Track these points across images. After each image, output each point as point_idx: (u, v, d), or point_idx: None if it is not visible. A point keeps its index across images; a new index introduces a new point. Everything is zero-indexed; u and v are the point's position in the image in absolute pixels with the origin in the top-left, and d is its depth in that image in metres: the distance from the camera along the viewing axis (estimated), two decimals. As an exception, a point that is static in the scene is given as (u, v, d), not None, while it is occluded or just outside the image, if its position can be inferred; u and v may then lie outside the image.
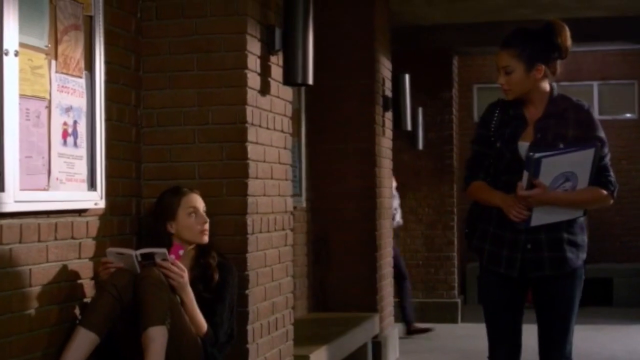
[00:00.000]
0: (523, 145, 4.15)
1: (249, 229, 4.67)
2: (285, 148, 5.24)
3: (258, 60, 4.81)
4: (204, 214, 4.39)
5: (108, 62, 4.37)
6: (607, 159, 4.18)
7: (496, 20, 10.38)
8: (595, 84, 13.28)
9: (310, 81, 5.05)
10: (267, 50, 4.94)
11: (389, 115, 8.20)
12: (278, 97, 5.11)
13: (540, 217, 4.06)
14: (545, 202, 4.04)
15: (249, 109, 4.67)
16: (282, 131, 5.18)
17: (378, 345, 7.72)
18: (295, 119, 7.24)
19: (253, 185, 4.72)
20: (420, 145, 10.61)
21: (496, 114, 4.31)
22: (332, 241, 7.77)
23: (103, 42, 4.31)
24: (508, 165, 4.15)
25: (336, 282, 7.80)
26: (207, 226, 4.38)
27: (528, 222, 4.06)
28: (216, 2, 4.69)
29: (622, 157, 12.82)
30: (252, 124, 4.71)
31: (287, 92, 5.28)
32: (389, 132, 8.24)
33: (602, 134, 4.19)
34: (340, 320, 7.28)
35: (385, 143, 8.12)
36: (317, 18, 7.20)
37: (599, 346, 8.99)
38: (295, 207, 7.22)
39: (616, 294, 12.14)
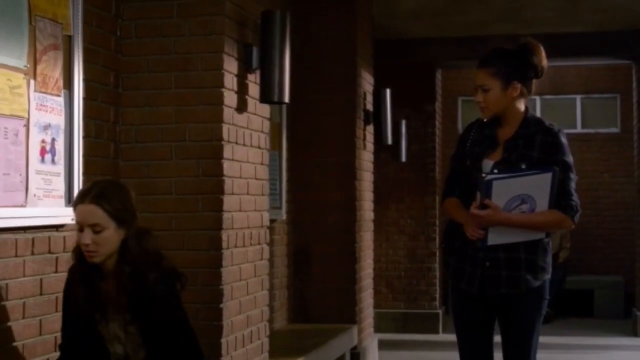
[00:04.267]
0: (487, 164, 4.26)
1: (224, 244, 4.77)
2: (262, 164, 5.34)
3: (235, 79, 4.91)
4: (90, 233, 3.61)
5: (87, 80, 4.48)
6: (572, 184, 4.24)
7: (480, 34, 10.51)
8: (578, 97, 13.40)
9: (287, 99, 5.15)
10: (245, 69, 5.04)
11: (370, 129, 8.30)
12: (255, 114, 5.21)
13: (496, 237, 4.17)
14: (497, 223, 4.14)
15: (225, 127, 4.77)
16: (259, 147, 5.28)
17: (357, 356, 7.82)
18: (275, 132, 7.36)
19: (229, 201, 4.82)
20: (404, 158, 10.71)
21: (472, 133, 4.42)
22: (313, 253, 7.87)
23: (82, 61, 4.42)
24: (475, 182, 4.25)
25: (316, 294, 7.89)
26: (92, 247, 3.60)
27: (485, 241, 4.18)
28: (194, 22, 4.80)
29: (604, 170, 12.96)
30: (229, 141, 4.82)
31: (265, 109, 5.38)
32: (370, 146, 8.34)
33: (568, 158, 4.26)
34: (319, 331, 7.37)
35: (366, 156, 8.22)
36: (299, 32, 7.37)
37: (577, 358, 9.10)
38: (275, 220, 7.36)
39: (597, 306, 12.25)
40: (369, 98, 8.30)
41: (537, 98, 13.30)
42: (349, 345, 7.60)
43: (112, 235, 3.62)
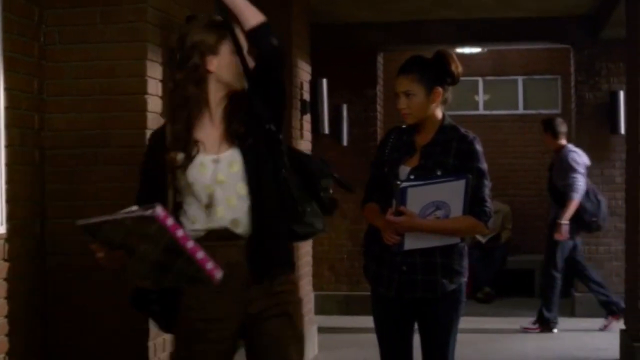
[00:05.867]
0: (404, 170, 4.35)
1: (149, 249, 4.82)
2: (190, 165, 5.38)
3: (160, 84, 4.96)
4: None
5: (8, 89, 4.50)
6: (486, 190, 4.34)
7: (421, 19, 10.59)
8: (520, 78, 13.54)
9: (212, 103, 5.20)
10: (170, 73, 5.07)
11: (307, 118, 8.36)
12: (182, 117, 5.25)
13: (412, 242, 4.27)
14: (412, 229, 4.24)
15: (149, 133, 4.81)
16: (186, 150, 5.32)
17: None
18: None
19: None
20: (345, 142, 10.79)
21: (391, 139, 4.51)
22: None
23: (3, 70, 4.45)
24: (392, 188, 4.34)
25: (255, 282, 7.94)
26: None
27: (401, 246, 4.27)
28: (117, 29, 4.84)
29: (545, 150, 13.07)
30: (153, 147, 4.86)
31: (193, 110, 5.42)
32: (307, 135, 8.41)
33: (482, 165, 4.36)
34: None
35: (304, 145, 8.28)
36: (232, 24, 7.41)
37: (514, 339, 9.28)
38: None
39: (538, 285, 12.42)
40: (306, 87, 8.36)
41: (480, 79, 13.44)
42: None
43: None
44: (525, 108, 13.49)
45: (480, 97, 13.82)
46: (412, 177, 4.30)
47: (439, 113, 4.45)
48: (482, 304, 11.80)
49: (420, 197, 4.22)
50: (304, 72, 8.33)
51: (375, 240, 4.45)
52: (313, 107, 8.35)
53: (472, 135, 4.42)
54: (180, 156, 3.37)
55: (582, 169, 9.36)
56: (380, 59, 11.33)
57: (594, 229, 9.60)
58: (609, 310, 9.80)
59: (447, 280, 4.37)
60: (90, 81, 4.86)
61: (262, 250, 3.41)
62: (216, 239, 3.35)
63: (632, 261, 7.74)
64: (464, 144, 4.37)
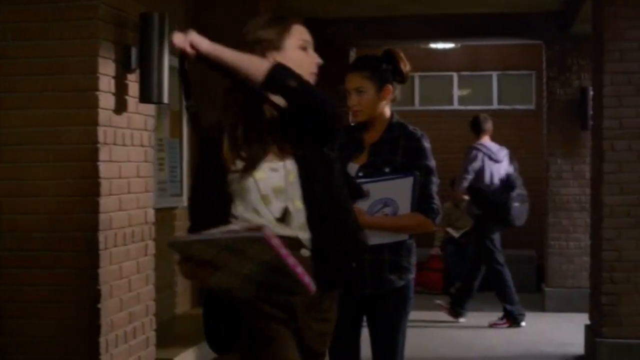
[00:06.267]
0: (353, 167, 4.37)
1: (102, 245, 4.86)
2: (145, 161, 5.41)
3: (113, 81, 4.97)
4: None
5: (-42, 86, 4.52)
6: (433, 187, 4.36)
7: (393, 15, 10.62)
8: (494, 74, 13.58)
9: (166, 99, 5.23)
10: (124, 70, 5.10)
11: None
12: (137, 113, 5.28)
13: None
14: (363, 226, 4.26)
15: (101, 129, 4.84)
16: (141, 146, 5.35)
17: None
18: (175, 120, 7.43)
19: (106, 203, 4.90)
20: (316, 137, 10.78)
21: (341, 137, 4.53)
22: (216, 238, 7.95)
23: (-47, 67, 4.46)
24: None
25: (221, 277, 7.98)
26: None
27: None
28: (69, 26, 4.85)
29: (520, 146, 13.15)
30: (105, 143, 4.89)
31: (148, 107, 5.44)
32: (274, 131, 8.43)
33: (430, 162, 4.38)
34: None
35: (271, 141, 8.30)
36: (197, 19, 7.49)
37: (483, 334, 9.33)
38: (176, 207, 7.45)
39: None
40: (274, 83, 8.36)
41: (455, 74, 13.47)
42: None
43: None
44: (499, 103, 13.54)
45: (455, 92, 13.85)
46: (360, 174, 4.33)
47: (387, 111, 4.47)
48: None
49: (369, 194, 4.24)
50: (271, 67, 8.34)
51: None
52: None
53: (420, 133, 4.44)
54: (245, 160, 3.12)
55: (470, 174, 9.52)
56: (352, 54, 11.36)
57: (506, 224, 9.70)
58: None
59: (395, 277, 4.40)
60: (42, 78, 4.87)
61: (327, 261, 3.18)
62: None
63: (596, 257, 7.79)
64: (411, 141, 4.40)
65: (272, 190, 3.13)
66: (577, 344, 8.56)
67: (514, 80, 13.59)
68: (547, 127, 10.99)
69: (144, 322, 5.43)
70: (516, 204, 9.51)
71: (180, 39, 3.05)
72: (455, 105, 13.82)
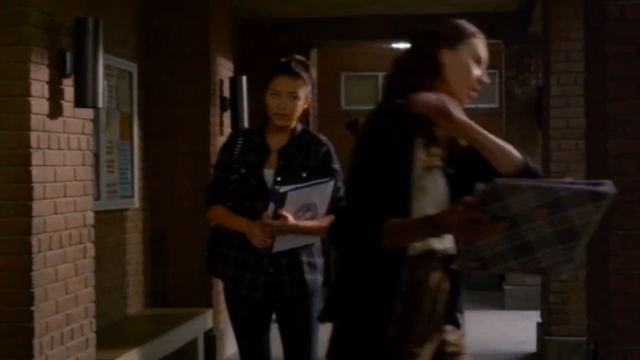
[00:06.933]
0: (268, 173, 4.42)
1: (35, 248, 4.89)
2: (83, 165, 5.45)
3: (46, 86, 5.01)
4: None
5: None
6: (343, 190, 4.44)
7: (353, 15, 10.68)
8: (457, 73, 13.61)
9: (101, 104, 5.28)
10: (59, 75, 5.14)
11: (227, 115, 8.44)
12: (74, 117, 5.31)
13: (282, 244, 4.35)
14: (288, 231, 4.33)
15: (34, 134, 4.88)
16: (79, 149, 5.39)
17: (212, 339, 8.00)
18: (125, 122, 7.47)
19: (40, 206, 4.94)
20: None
21: (239, 142, 4.54)
22: (169, 239, 8.02)
23: None
24: (252, 190, 4.41)
25: (174, 279, 8.04)
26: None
27: (271, 249, 4.36)
28: (1, 32, 4.88)
29: (484, 144, 13.24)
30: (39, 148, 4.93)
31: (87, 110, 5.47)
32: (227, 131, 8.48)
33: (337, 166, 4.51)
34: (173, 316, 7.54)
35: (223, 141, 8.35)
36: (150, 21, 7.56)
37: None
38: (127, 209, 7.50)
39: (473, 277, 12.53)
40: (227, 84, 8.43)
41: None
42: (202, 329, 7.77)
43: None
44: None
45: (419, 92, 13.85)
46: (279, 179, 4.39)
47: None
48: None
49: (295, 200, 4.31)
50: (224, 69, 8.40)
51: (228, 244, 4.51)
52: (233, 104, 8.42)
53: (325, 138, 4.56)
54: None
55: None
56: (313, 54, 11.42)
57: None
58: None
59: (312, 277, 4.49)
60: (-23, 83, 4.92)
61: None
62: (427, 260, 2.93)
63: (545, 255, 7.87)
64: (321, 146, 4.51)
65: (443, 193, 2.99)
66: (531, 342, 8.66)
67: (477, 79, 13.62)
68: (505, 126, 11.08)
69: (82, 324, 5.47)
70: None
71: (428, 102, 2.77)
72: (420, 104, 13.84)
